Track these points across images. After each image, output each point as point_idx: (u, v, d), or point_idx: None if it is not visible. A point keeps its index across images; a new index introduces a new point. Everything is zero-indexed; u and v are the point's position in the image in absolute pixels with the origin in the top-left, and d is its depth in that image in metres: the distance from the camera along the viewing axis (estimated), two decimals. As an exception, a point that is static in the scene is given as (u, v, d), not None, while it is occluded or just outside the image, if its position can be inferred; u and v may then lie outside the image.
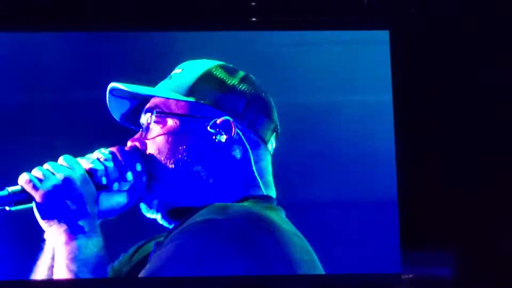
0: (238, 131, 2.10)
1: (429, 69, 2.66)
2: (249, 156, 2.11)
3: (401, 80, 2.57)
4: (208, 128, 2.09)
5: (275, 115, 2.16)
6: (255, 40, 2.59)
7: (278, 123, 2.17)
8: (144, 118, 2.15)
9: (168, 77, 2.17)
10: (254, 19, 2.67)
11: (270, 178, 2.15)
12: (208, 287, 2.18)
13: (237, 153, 2.11)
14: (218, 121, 2.09)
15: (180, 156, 2.09)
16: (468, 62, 2.67)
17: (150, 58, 2.56)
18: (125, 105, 2.20)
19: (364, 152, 2.55)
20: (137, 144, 2.13)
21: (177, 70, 2.17)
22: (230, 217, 1.99)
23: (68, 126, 2.53)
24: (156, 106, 2.13)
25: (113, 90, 2.16)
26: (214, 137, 2.09)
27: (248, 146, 2.11)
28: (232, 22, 2.65)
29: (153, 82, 2.20)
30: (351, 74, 2.59)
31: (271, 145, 2.16)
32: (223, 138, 2.09)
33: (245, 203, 2.08)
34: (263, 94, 2.15)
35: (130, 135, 2.17)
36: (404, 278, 2.52)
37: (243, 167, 2.11)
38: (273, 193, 2.15)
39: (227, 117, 2.10)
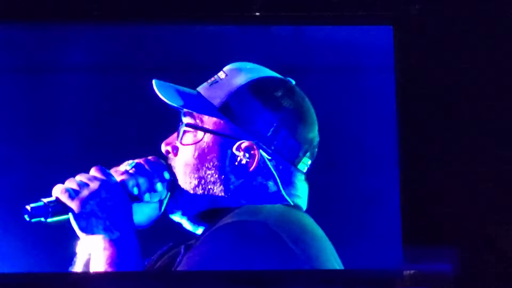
0: (264, 155, 2.09)
1: (432, 65, 2.66)
2: (276, 179, 2.10)
3: (404, 76, 2.57)
4: (234, 149, 2.09)
5: (310, 134, 2.14)
6: (258, 34, 2.59)
7: (314, 142, 2.15)
8: (182, 119, 2.16)
9: (211, 81, 2.16)
10: (257, 13, 2.67)
11: (300, 193, 2.14)
12: (215, 281, 2.19)
13: (262, 177, 2.10)
14: (243, 145, 2.09)
15: (204, 173, 2.10)
16: (471, 59, 2.67)
17: (155, 52, 2.56)
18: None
19: (367, 148, 2.54)
20: (170, 148, 2.15)
21: (221, 74, 2.16)
22: (262, 220, 2.01)
23: (97, 137, 2.53)
24: (190, 113, 2.14)
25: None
26: (238, 159, 2.09)
27: (273, 170, 2.10)
28: (235, 16, 2.65)
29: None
30: (354, 69, 2.59)
31: (304, 165, 2.15)
32: (247, 161, 2.09)
33: (276, 206, 2.08)
34: (297, 113, 2.13)
35: (158, 144, 2.18)
36: (406, 274, 2.52)
37: (269, 190, 2.11)
38: (303, 204, 2.15)
39: (252, 141, 2.09)
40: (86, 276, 2.12)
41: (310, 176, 2.20)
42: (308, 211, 2.17)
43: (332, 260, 2.07)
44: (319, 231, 2.09)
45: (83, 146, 2.51)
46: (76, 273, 2.12)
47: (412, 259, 2.51)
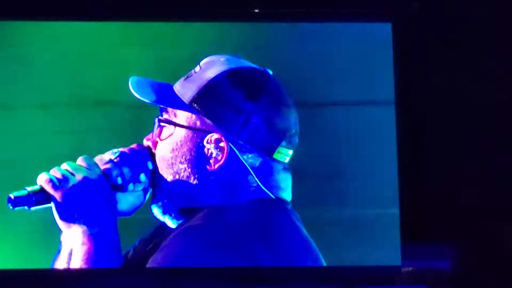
0: (233, 148, 2.08)
1: (431, 63, 2.66)
2: (247, 170, 2.10)
3: (403, 74, 2.57)
4: (204, 143, 2.09)
5: (284, 123, 2.12)
6: (257, 31, 2.59)
7: (289, 131, 2.13)
8: (158, 116, 2.17)
9: (187, 75, 2.16)
10: (256, 10, 2.66)
11: (281, 184, 2.12)
12: (202, 278, 2.19)
13: (237, 171, 2.09)
14: (213, 138, 2.09)
15: (178, 168, 2.10)
16: (470, 57, 2.67)
17: (151, 49, 2.56)
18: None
19: (366, 146, 2.54)
20: (150, 143, 2.16)
21: (196, 68, 2.16)
22: (225, 224, 2.01)
23: (82, 126, 2.53)
24: (165, 109, 2.14)
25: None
26: (209, 153, 2.09)
27: (245, 162, 2.09)
28: (234, 12, 2.65)
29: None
30: (353, 67, 2.58)
31: (282, 154, 2.13)
32: (218, 154, 2.09)
33: (249, 203, 2.08)
34: (268, 103, 2.11)
35: (142, 135, 2.18)
36: (404, 271, 2.53)
37: (247, 184, 2.10)
38: (287, 196, 2.14)
39: (221, 134, 2.09)
40: (65, 273, 2.12)
41: (308, 174, 2.19)
42: (306, 209, 2.16)
43: (305, 259, 2.06)
44: (293, 229, 2.08)
45: (69, 134, 2.51)
46: (53, 270, 2.13)
47: (410, 256, 2.52)
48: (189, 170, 2.10)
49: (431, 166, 2.64)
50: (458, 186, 2.64)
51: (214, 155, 2.09)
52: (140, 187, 2.12)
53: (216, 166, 2.09)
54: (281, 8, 2.65)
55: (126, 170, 2.10)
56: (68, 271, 2.08)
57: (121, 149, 2.13)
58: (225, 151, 2.08)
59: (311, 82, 2.54)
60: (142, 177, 2.12)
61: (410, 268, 2.55)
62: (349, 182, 2.53)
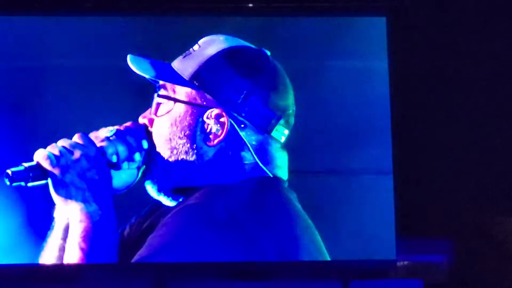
0: (233, 123, 2.09)
1: (425, 56, 2.67)
2: (248, 147, 2.10)
3: (398, 67, 2.57)
4: (204, 118, 2.10)
5: (283, 102, 2.14)
6: (252, 25, 2.59)
7: (288, 110, 2.14)
8: (157, 93, 2.17)
9: (185, 53, 2.17)
10: (251, 4, 2.67)
11: (278, 162, 2.13)
12: (204, 273, 2.19)
13: (236, 147, 2.10)
14: (213, 113, 2.10)
15: (176, 143, 2.11)
16: (464, 52, 2.67)
17: (146, 44, 2.56)
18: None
19: (361, 141, 2.55)
20: (146, 121, 2.16)
21: (195, 46, 2.17)
22: (225, 202, 2.02)
23: (79, 102, 2.54)
24: (163, 86, 2.15)
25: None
26: (209, 128, 2.10)
27: (245, 138, 2.10)
28: (229, 7, 2.65)
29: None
30: (348, 60, 2.59)
31: (279, 133, 2.15)
32: (218, 129, 2.10)
33: (249, 183, 2.09)
34: (269, 81, 2.13)
35: (138, 113, 2.19)
36: (399, 265, 2.53)
37: (245, 161, 2.11)
38: (283, 174, 2.15)
39: (221, 109, 2.09)
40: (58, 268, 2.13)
41: (304, 169, 2.20)
42: (302, 202, 2.16)
43: (303, 238, 2.06)
44: (291, 207, 2.09)
45: (66, 112, 2.52)
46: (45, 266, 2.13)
47: (406, 250, 2.52)
48: (188, 145, 2.10)
49: (425, 160, 2.64)
50: (453, 181, 2.64)
51: (214, 130, 2.10)
52: (134, 166, 2.13)
53: (216, 141, 2.10)
54: (275, 2, 2.65)
55: (121, 149, 2.10)
56: (65, 264, 2.09)
57: (116, 127, 2.13)
58: (226, 126, 2.09)
59: (305, 77, 2.55)
60: (137, 156, 2.12)
61: (405, 262, 2.55)
62: (344, 178, 2.54)
